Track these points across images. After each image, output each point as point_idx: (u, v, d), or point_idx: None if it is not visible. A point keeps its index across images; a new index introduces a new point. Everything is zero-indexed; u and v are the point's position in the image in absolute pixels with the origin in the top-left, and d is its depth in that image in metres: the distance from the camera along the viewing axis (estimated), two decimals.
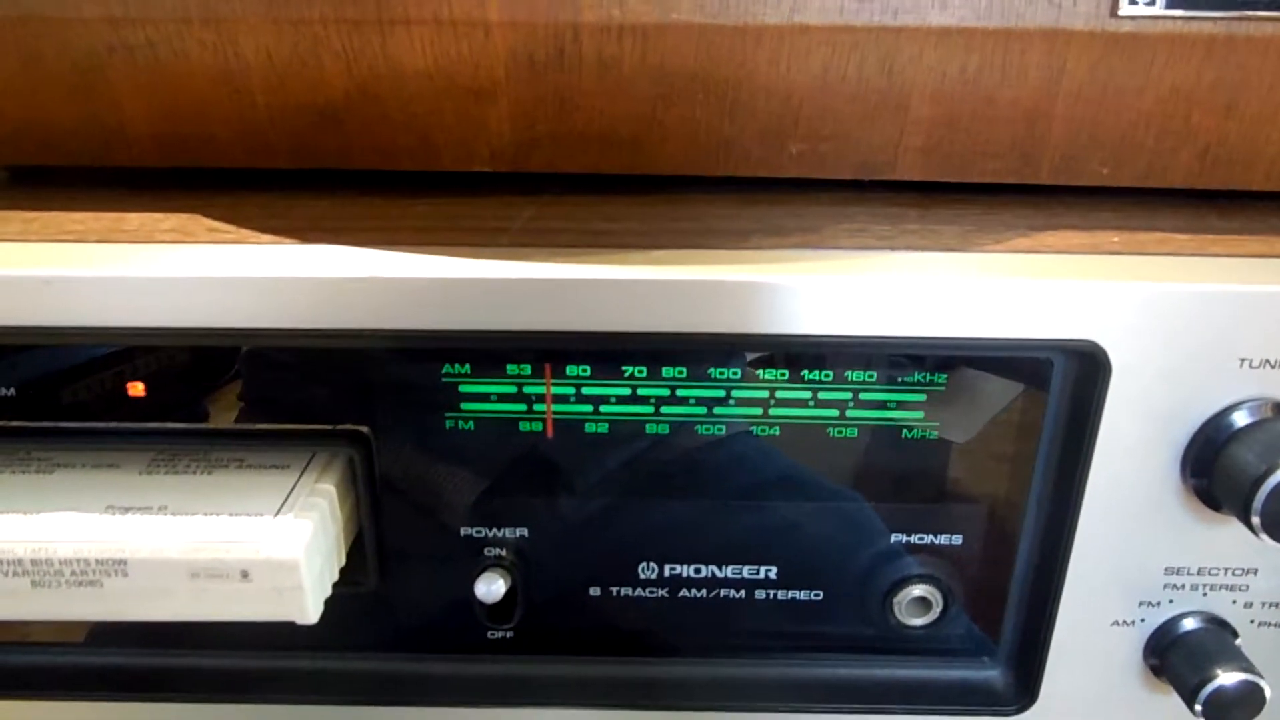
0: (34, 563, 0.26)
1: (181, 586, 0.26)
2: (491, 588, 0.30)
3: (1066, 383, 0.28)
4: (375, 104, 0.31)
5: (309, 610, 0.27)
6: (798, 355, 0.29)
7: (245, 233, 0.30)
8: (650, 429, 0.30)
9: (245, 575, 0.26)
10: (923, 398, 0.29)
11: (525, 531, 0.31)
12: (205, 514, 0.27)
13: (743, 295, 0.27)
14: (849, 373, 0.29)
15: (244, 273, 0.27)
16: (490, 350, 0.29)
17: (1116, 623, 0.31)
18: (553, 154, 0.32)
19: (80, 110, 0.32)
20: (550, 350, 0.29)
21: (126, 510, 0.27)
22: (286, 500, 0.27)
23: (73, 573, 0.26)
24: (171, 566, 0.26)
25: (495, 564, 0.31)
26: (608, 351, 0.29)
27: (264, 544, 0.26)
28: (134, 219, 0.31)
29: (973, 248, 0.29)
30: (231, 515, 0.27)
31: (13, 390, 0.29)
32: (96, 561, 0.26)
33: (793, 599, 0.32)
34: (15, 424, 0.29)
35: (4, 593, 0.26)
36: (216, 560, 0.26)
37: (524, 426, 0.30)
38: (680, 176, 0.33)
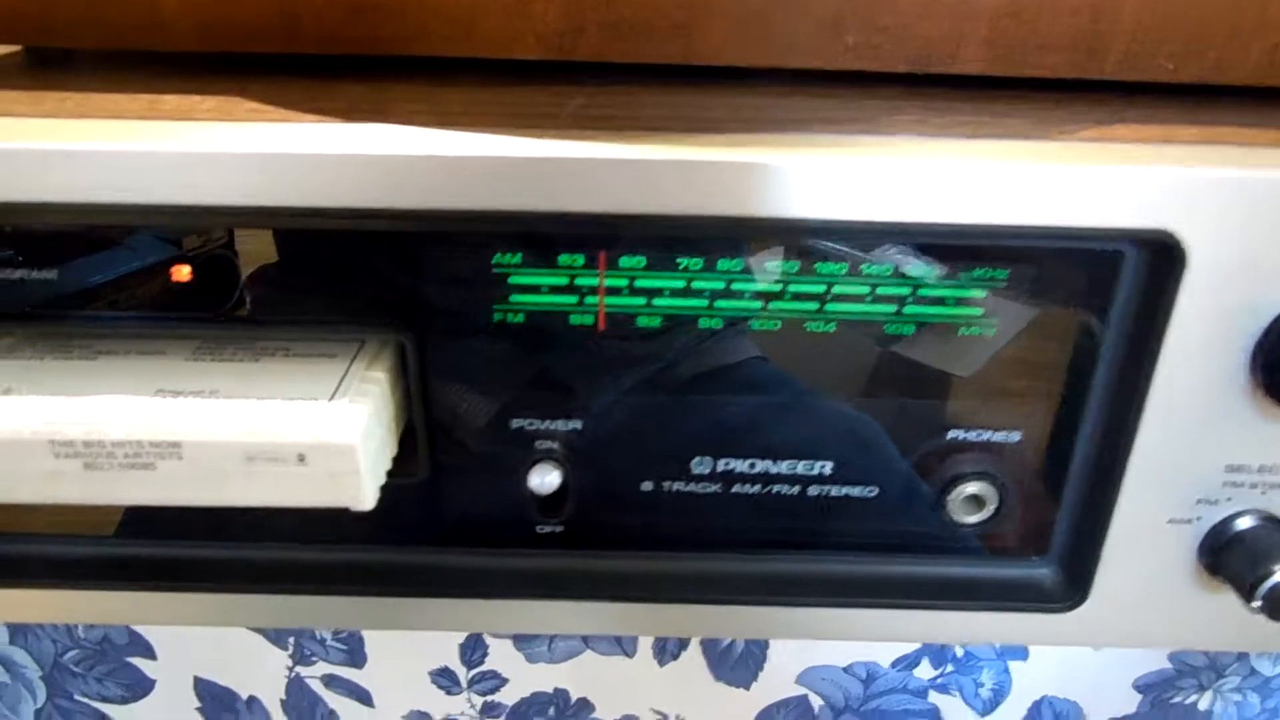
0: (86, 444, 0.25)
1: (236, 470, 0.26)
2: (545, 479, 0.29)
3: (1138, 275, 0.28)
4: None
5: (365, 496, 0.26)
6: (855, 247, 0.28)
7: (288, 113, 0.28)
8: (704, 323, 0.29)
9: (302, 459, 0.25)
10: (983, 294, 0.29)
11: (579, 425, 0.31)
12: (258, 399, 0.26)
13: (803, 177, 0.26)
14: (908, 268, 0.28)
15: (291, 149, 0.26)
16: (543, 235, 0.28)
17: (1173, 520, 0.30)
18: (600, 41, 0.31)
19: None
20: (604, 237, 0.28)
21: (177, 394, 0.26)
22: (339, 386, 0.27)
23: (125, 455, 0.25)
24: (227, 449, 0.25)
25: (547, 456, 0.30)
26: (662, 240, 0.28)
27: (321, 427, 0.25)
28: (170, 100, 0.30)
29: (1039, 137, 0.28)
30: (285, 400, 0.26)
31: (55, 274, 0.28)
32: (150, 444, 0.25)
33: (846, 495, 0.32)
34: (56, 311, 0.29)
35: (56, 475, 0.26)
36: (272, 444, 0.25)
37: (575, 320, 0.29)
38: (729, 68, 0.31)
